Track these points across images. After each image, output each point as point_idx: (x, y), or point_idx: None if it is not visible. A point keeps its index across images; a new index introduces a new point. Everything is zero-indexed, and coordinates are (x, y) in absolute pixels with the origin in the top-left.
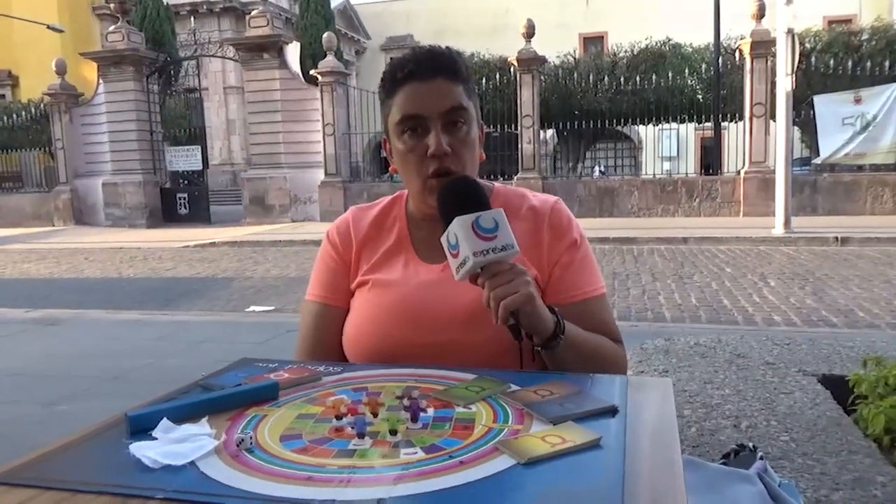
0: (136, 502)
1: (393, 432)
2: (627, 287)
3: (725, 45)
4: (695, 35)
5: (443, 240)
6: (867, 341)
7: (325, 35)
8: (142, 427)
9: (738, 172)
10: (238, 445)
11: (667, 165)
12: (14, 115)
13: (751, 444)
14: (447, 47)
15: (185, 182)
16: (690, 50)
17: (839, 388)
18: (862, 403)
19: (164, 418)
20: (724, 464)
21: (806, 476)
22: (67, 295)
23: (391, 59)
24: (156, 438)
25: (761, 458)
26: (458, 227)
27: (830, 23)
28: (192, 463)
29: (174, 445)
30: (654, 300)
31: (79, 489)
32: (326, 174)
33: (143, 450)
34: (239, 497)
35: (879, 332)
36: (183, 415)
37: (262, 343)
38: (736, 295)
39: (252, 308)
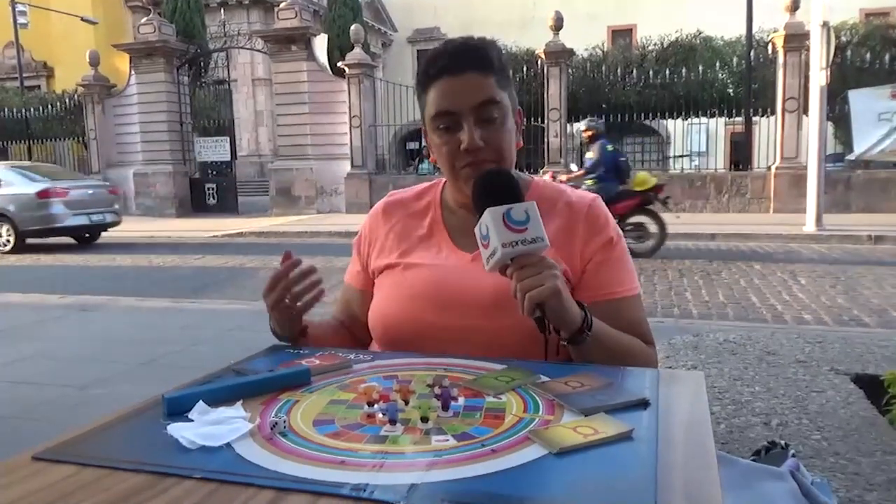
0: (174, 481)
1: (424, 420)
2: (654, 283)
3: (758, 38)
4: (726, 28)
5: (476, 230)
6: None
7: (352, 27)
8: (178, 409)
9: (769, 168)
10: (272, 428)
11: (695, 161)
12: (49, 106)
13: (782, 442)
14: (480, 38)
15: (214, 173)
16: (721, 43)
17: (873, 387)
18: None
19: (200, 401)
20: (754, 460)
21: (839, 475)
22: (100, 282)
23: (427, 53)
24: (192, 420)
25: (793, 456)
26: (489, 219)
27: (867, 15)
28: (228, 445)
29: (210, 427)
30: (681, 296)
31: (119, 467)
32: (353, 166)
33: (180, 430)
34: (274, 479)
35: None
36: (218, 398)
37: None
38: (765, 292)
39: None
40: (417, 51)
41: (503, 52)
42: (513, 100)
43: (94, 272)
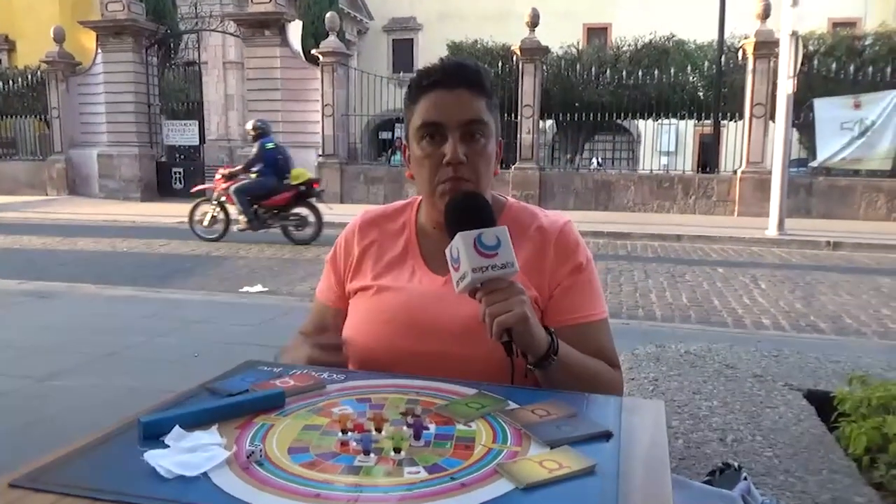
0: None
1: (397, 450)
2: (620, 283)
3: (729, 43)
4: (699, 32)
5: (447, 252)
6: (854, 356)
7: (327, 14)
8: (154, 433)
9: (735, 172)
10: (248, 457)
11: (664, 160)
12: (10, 81)
13: (736, 464)
14: (475, 62)
15: (181, 157)
16: (694, 47)
17: (824, 403)
18: (845, 422)
19: (177, 426)
20: (709, 481)
21: (787, 494)
22: (60, 267)
23: (417, 71)
24: (168, 446)
25: (745, 479)
26: (461, 243)
27: (835, 25)
28: (205, 474)
29: (187, 455)
30: (646, 297)
31: (98, 497)
32: (324, 155)
33: (157, 458)
34: None
35: (866, 341)
36: (193, 421)
37: (255, 325)
38: (727, 296)
39: (245, 289)
40: (393, 40)
41: (478, 45)
42: (497, 127)
43: (54, 256)
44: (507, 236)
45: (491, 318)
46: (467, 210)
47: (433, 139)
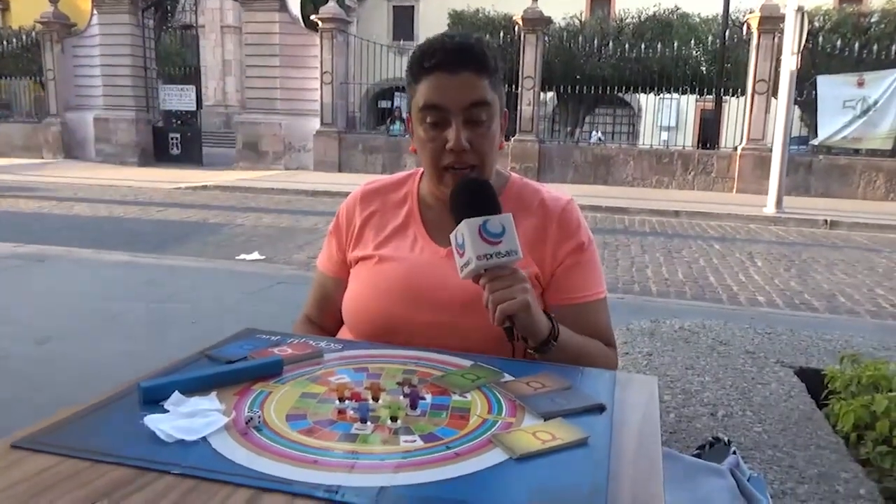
0: (154, 476)
1: (393, 419)
2: (616, 258)
3: (734, 17)
4: (703, 5)
5: (451, 237)
6: (846, 334)
7: None
8: (154, 397)
9: (735, 149)
10: (247, 423)
11: (665, 135)
12: (4, 42)
13: (725, 438)
14: (477, 38)
15: (178, 122)
16: (698, 20)
17: (814, 381)
18: (834, 399)
19: (176, 391)
20: (698, 455)
21: (775, 468)
22: (56, 232)
23: (419, 46)
24: (167, 411)
25: (734, 453)
26: (466, 229)
27: (841, 1)
28: (204, 439)
29: (186, 420)
30: (642, 273)
31: (98, 459)
32: (322, 123)
33: (156, 422)
34: (251, 477)
35: (859, 320)
36: (193, 388)
37: (252, 293)
38: (722, 273)
39: (242, 256)
40: (393, 7)
41: (480, 14)
42: (502, 101)
43: (50, 221)
44: (512, 224)
45: (494, 304)
46: (473, 196)
47: (436, 123)
